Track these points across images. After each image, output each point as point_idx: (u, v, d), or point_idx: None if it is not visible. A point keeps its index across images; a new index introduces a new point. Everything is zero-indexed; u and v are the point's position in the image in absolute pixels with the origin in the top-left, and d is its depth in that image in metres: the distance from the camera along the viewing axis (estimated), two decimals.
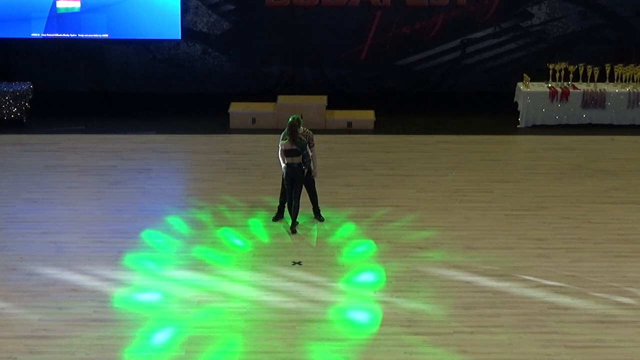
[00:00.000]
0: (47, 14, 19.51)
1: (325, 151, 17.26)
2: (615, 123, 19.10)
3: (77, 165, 17.08)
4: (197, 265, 13.33)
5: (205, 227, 14.53)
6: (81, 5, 19.50)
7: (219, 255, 13.65)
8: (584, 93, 19.05)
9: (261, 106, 19.44)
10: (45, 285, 12.72)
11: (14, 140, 18.30)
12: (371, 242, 14.06)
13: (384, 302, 12.34)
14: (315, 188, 14.71)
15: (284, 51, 20.67)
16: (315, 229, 14.52)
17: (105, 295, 12.48)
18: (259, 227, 14.57)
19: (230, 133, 18.90)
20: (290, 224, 14.42)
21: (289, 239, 14.21)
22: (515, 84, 19.67)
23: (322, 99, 19.56)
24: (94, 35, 19.66)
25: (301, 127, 14.29)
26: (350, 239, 14.18)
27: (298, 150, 14.10)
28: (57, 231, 14.41)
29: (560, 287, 12.70)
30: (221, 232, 14.36)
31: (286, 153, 14.17)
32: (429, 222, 14.73)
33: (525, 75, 19.42)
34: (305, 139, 14.27)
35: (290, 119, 14.22)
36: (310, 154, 14.40)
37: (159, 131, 18.87)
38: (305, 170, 14.31)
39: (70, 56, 20.73)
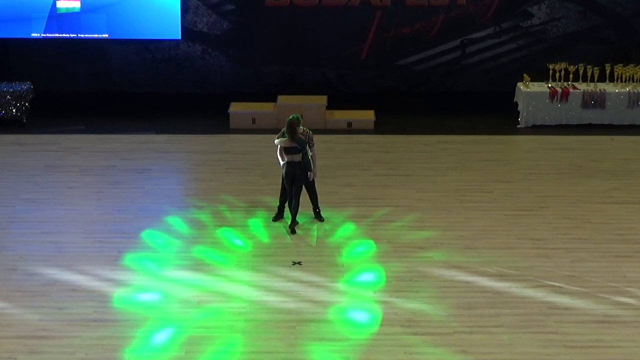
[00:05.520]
0: (47, 14, 19.49)
1: (325, 151, 17.26)
2: (615, 123, 19.09)
3: (77, 165, 17.08)
4: (197, 265, 13.33)
5: (205, 227, 14.53)
6: (81, 5, 19.49)
7: (219, 255, 13.65)
8: (584, 93, 19.05)
9: (261, 106, 19.44)
10: (45, 285, 12.71)
11: (14, 140, 18.29)
12: (371, 242, 14.06)
13: (384, 302, 12.33)
14: (315, 188, 14.70)
15: (284, 51, 20.66)
16: (315, 229, 14.51)
17: (105, 295, 12.47)
18: (259, 227, 14.57)
19: (230, 133, 18.89)
20: (289, 223, 14.43)
21: (289, 239, 14.21)
22: (515, 84, 19.67)
23: (322, 99, 19.55)
24: (94, 35, 19.65)
25: (300, 127, 14.28)
26: (350, 239, 14.17)
27: (298, 148, 14.09)
28: (57, 231, 14.40)
29: (560, 287, 12.69)
30: (221, 232, 14.35)
31: (286, 151, 14.16)
32: (429, 222, 14.73)
33: (525, 75, 19.42)
34: (305, 138, 14.26)
35: (289, 118, 14.20)
36: (310, 153, 14.39)
37: (159, 131, 18.86)
38: (310, 176, 14.30)
39: (70, 56, 20.71)
